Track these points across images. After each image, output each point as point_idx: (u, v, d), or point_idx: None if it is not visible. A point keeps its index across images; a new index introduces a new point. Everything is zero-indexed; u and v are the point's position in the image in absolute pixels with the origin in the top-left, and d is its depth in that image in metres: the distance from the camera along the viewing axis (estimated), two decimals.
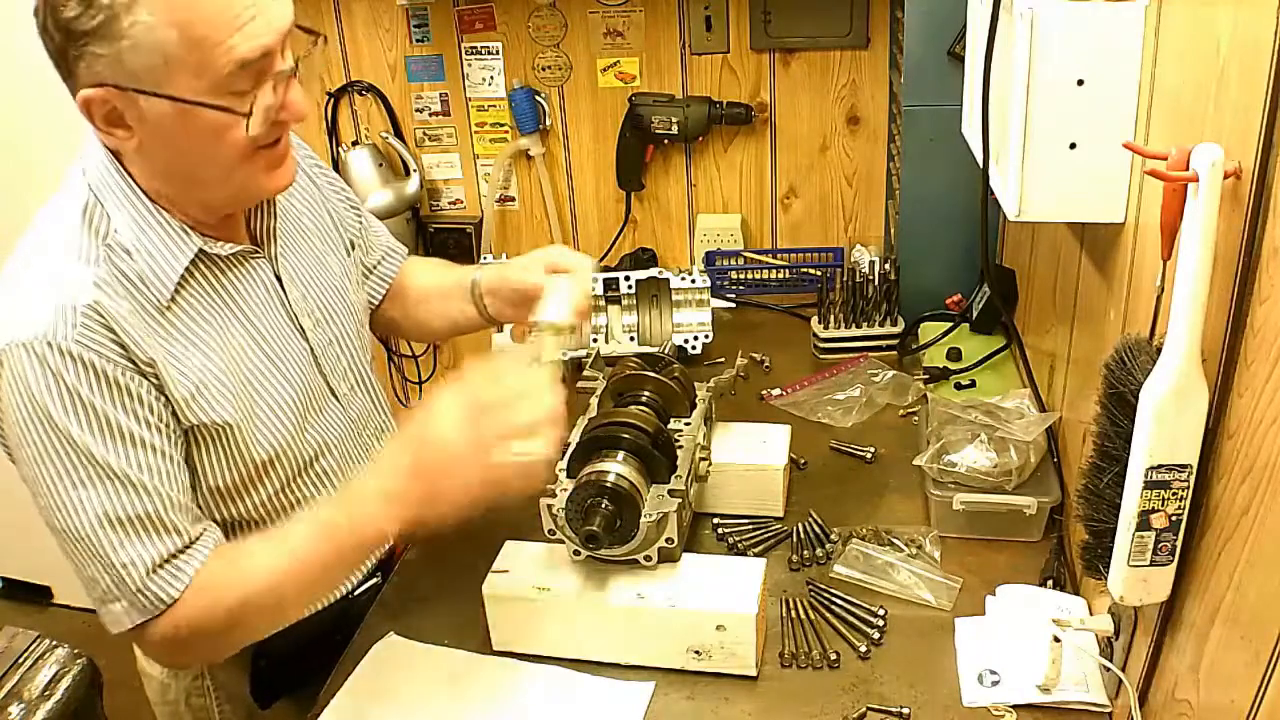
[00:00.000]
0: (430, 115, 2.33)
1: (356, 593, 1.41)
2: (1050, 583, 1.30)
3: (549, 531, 1.27)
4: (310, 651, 1.32)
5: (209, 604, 1.10)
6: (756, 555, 1.39)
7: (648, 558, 1.24)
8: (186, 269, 1.14)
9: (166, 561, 1.09)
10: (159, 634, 1.11)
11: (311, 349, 1.29)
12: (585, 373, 1.56)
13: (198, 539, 1.12)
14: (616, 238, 2.34)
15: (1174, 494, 0.87)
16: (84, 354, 1.04)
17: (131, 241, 1.11)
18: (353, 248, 1.46)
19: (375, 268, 1.55)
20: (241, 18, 1.01)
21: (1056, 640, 1.10)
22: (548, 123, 2.28)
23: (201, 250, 1.15)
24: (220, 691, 1.35)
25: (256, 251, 1.24)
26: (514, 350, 1.30)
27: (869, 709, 1.15)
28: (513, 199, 2.38)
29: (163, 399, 1.11)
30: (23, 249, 1.13)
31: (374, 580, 1.44)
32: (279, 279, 1.26)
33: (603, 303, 1.94)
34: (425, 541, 1.50)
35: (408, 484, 1.09)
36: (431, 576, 1.41)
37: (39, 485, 1.07)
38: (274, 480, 1.24)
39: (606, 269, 2.24)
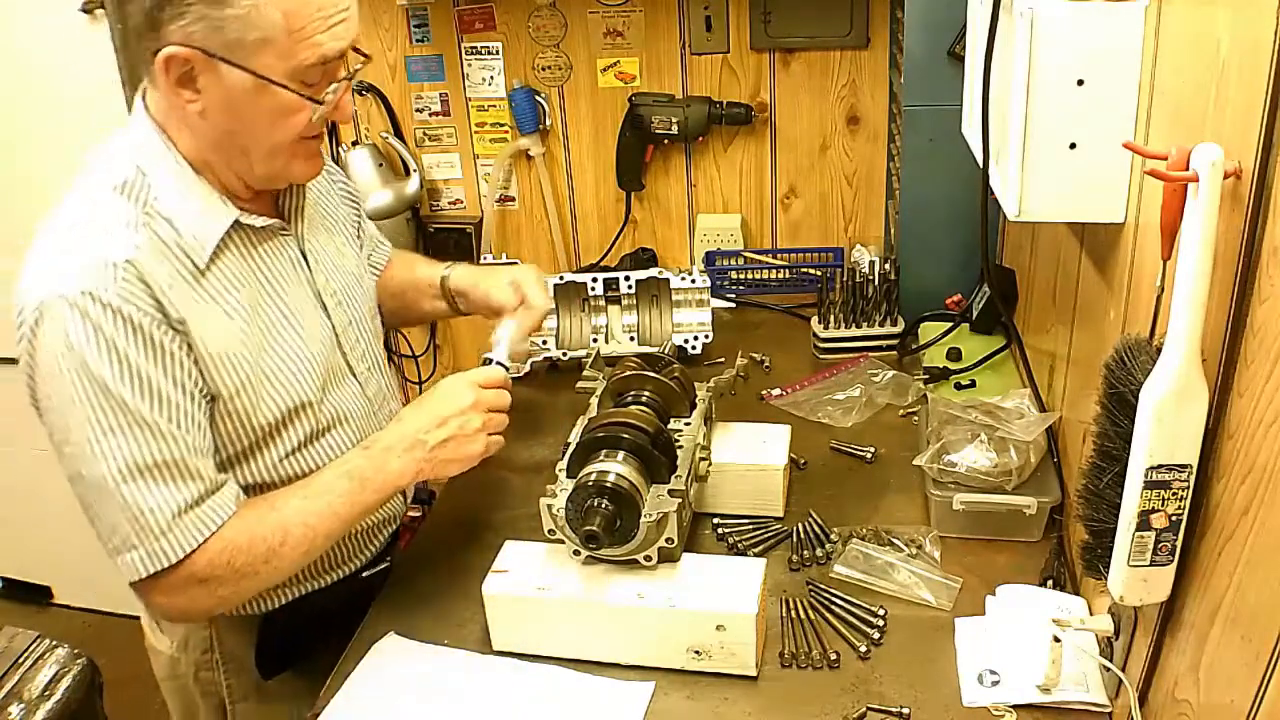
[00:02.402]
0: (430, 115, 2.33)
1: (365, 574, 1.44)
2: (1050, 583, 1.30)
3: (549, 531, 1.27)
4: (316, 626, 1.36)
5: (245, 540, 1.16)
6: (756, 555, 1.39)
7: (648, 558, 1.24)
8: (222, 238, 1.19)
9: (190, 508, 1.13)
10: (175, 584, 1.14)
11: (333, 325, 1.35)
12: (585, 373, 1.56)
13: (220, 488, 1.17)
14: (616, 238, 2.34)
15: (1174, 494, 0.87)
16: (123, 307, 1.09)
17: (172, 209, 1.16)
18: (358, 237, 1.53)
19: (369, 258, 1.59)
20: (334, 18, 1.12)
21: (1056, 640, 1.10)
22: (548, 123, 2.28)
23: (237, 220, 1.21)
24: (229, 664, 1.38)
25: (285, 228, 1.30)
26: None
27: (869, 709, 1.15)
28: (513, 199, 2.38)
29: (192, 358, 1.15)
30: (65, 211, 1.17)
31: (383, 565, 1.47)
32: (305, 257, 1.32)
33: (603, 303, 1.94)
34: (425, 541, 1.51)
35: (428, 431, 1.26)
36: (431, 576, 1.42)
37: (69, 433, 1.11)
38: (288, 441, 1.27)
39: (606, 269, 2.24)
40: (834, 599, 1.31)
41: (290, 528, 1.19)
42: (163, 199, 1.16)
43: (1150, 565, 0.91)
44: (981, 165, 1.27)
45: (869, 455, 1.60)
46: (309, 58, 1.11)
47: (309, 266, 1.32)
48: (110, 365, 1.09)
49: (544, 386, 1.89)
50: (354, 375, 1.38)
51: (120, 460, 1.10)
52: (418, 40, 2.25)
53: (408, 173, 2.32)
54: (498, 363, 1.39)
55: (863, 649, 1.23)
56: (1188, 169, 0.81)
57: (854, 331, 1.89)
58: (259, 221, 1.24)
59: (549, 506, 1.25)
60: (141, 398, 1.11)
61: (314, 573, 1.37)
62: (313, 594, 1.37)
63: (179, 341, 1.13)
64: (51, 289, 1.09)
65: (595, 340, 1.93)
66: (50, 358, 1.10)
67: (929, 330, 1.87)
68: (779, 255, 2.25)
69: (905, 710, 1.14)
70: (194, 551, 1.14)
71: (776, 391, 1.79)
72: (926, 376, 1.75)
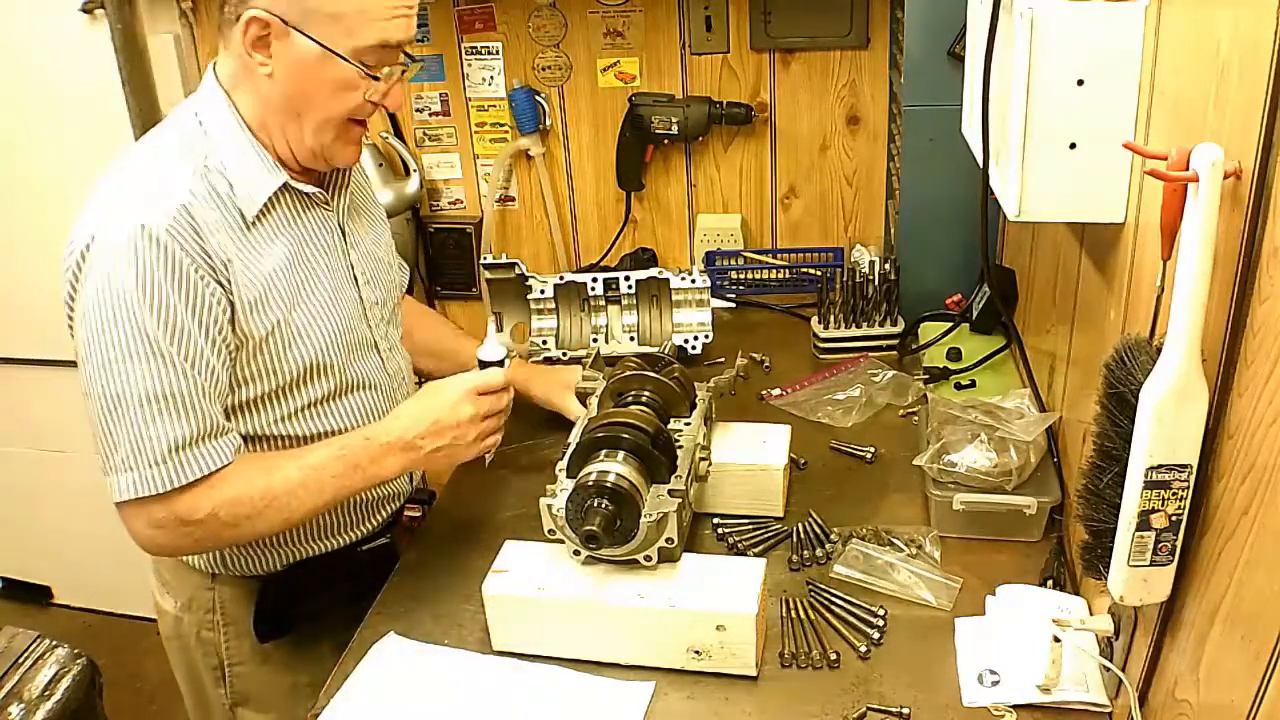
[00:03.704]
0: (430, 115, 2.33)
1: (363, 547, 1.48)
2: (1050, 583, 1.30)
3: (549, 531, 1.27)
4: (314, 593, 1.44)
5: (233, 492, 1.23)
6: (756, 555, 1.39)
7: (648, 558, 1.24)
8: (271, 197, 1.29)
9: (188, 445, 1.21)
10: (157, 517, 1.22)
11: (362, 299, 1.43)
12: (585, 373, 1.56)
13: (222, 435, 1.24)
14: (616, 238, 2.34)
15: (1174, 494, 0.87)
16: (169, 243, 1.18)
17: (228, 165, 1.26)
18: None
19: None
20: (399, 10, 1.25)
21: (1056, 640, 1.10)
22: (548, 123, 2.28)
23: (287, 183, 1.31)
24: (229, 627, 1.44)
25: (329, 203, 1.39)
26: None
27: (869, 709, 1.15)
28: (513, 199, 2.38)
29: (227, 307, 1.23)
30: (131, 158, 1.28)
31: (381, 540, 1.50)
32: (343, 233, 1.41)
33: (603, 303, 1.94)
34: (425, 542, 1.51)
35: (425, 437, 1.31)
36: (431, 576, 1.42)
37: (92, 352, 1.19)
38: (308, 394, 1.35)
39: (606, 269, 2.24)
40: (834, 599, 1.31)
41: (277, 494, 1.25)
42: (221, 155, 1.26)
43: (1150, 565, 0.91)
44: (981, 165, 1.27)
45: (869, 455, 1.60)
46: (371, 38, 1.23)
47: (346, 242, 1.41)
48: (144, 295, 1.17)
49: None
50: (378, 350, 1.46)
51: (134, 384, 1.18)
52: (418, 40, 2.25)
53: (408, 173, 2.31)
54: (490, 363, 1.40)
55: (863, 649, 1.23)
56: (1188, 169, 0.80)
57: (854, 331, 1.89)
58: (307, 188, 1.33)
59: (549, 506, 1.25)
60: (165, 331, 1.18)
61: (314, 536, 1.42)
62: (311, 560, 1.43)
63: (215, 289, 1.21)
64: (108, 219, 1.19)
65: (595, 340, 1.93)
66: (95, 280, 1.18)
67: (929, 330, 1.87)
68: (779, 255, 2.24)
69: (905, 710, 1.14)
70: (183, 488, 1.21)
71: (776, 391, 1.79)
72: (926, 376, 1.75)
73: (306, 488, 1.26)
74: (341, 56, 1.23)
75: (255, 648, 1.45)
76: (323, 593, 1.43)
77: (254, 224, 1.27)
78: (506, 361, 1.41)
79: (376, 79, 1.27)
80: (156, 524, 1.22)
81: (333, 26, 1.21)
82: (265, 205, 1.28)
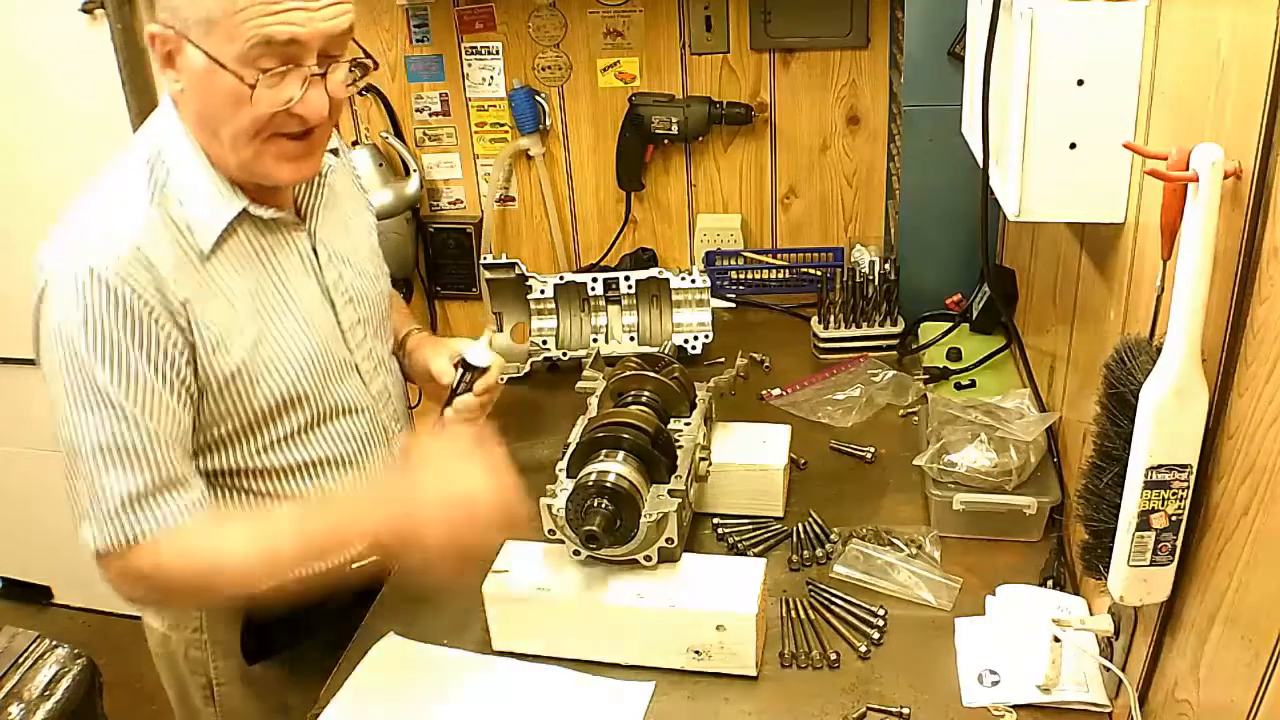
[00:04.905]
0: (430, 115, 2.33)
1: (354, 565, 1.41)
2: (1050, 583, 1.30)
3: (549, 531, 1.27)
4: (301, 616, 1.36)
5: (179, 561, 1.17)
6: (756, 555, 1.39)
7: (648, 558, 1.24)
8: (230, 226, 1.21)
9: (142, 498, 1.15)
10: (118, 568, 1.18)
11: (339, 323, 1.35)
12: (585, 373, 1.56)
13: (182, 486, 1.18)
14: (616, 238, 2.34)
15: (1174, 494, 0.87)
16: (119, 287, 1.12)
17: (185, 189, 1.19)
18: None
19: None
20: (285, 4, 1.09)
21: (1056, 640, 1.10)
22: (548, 123, 2.28)
23: (245, 210, 1.22)
24: (217, 647, 1.40)
25: (298, 223, 1.31)
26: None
27: (869, 709, 1.15)
28: (513, 199, 2.38)
29: (186, 349, 1.17)
30: (97, 182, 1.21)
31: (373, 557, 1.44)
32: (316, 253, 1.33)
33: (603, 303, 1.94)
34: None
35: (392, 528, 1.20)
36: (431, 577, 1.41)
37: (54, 399, 1.16)
38: (284, 426, 1.29)
39: (606, 269, 2.24)
40: (834, 599, 1.31)
41: (224, 567, 1.18)
42: (179, 179, 1.19)
43: (1150, 565, 0.91)
44: (981, 165, 1.27)
45: (869, 455, 1.60)
46: (251, 39, 1.09)
47: (319, 263, 1.33)
48: (92, 342, 1.12)
49: (544, 386, 1.89)
50: (359, 372, 1.39)
51: (87, 434, 1.14)
52: (418, 40, 2.25)
53: (408, 173, 2.32)
54: (474, 367, 1.41)
55: (863, 649, 1.23)
56: (1188, 169, 0.81)
57: (854, 331, 1.89)
58: (267, 213, 1.25)
59: (549, 506, 1.25)
60: (113, 379, 1.13)
61: None
62: (300, 581, 1.36)
63: (171, 332, 1.15)
64: (61, 258, 1.13)
65: (595, 340, 1.93)
66: (47, 325, 1.14)
67: (929, 330, 1.87)
68: (779, 255, 2.24)
69: (905, 710, 1.14)
70: (135, 545, 1.16)
71: (776, 391, 1.79)
72: (926, 376, 1.75)
73: (265, 568, 1.19)
74: (222, 65, 1.10)
75: (243, 668, 1.41)
76: (311, 613, 1.36)
77: (211, 255, 1.19)
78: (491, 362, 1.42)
79: (252, 86, 1.11)
80: (119, 576, 1.19)
81: (214, 33, 1.09)
82: (223, 234, 1.20)
